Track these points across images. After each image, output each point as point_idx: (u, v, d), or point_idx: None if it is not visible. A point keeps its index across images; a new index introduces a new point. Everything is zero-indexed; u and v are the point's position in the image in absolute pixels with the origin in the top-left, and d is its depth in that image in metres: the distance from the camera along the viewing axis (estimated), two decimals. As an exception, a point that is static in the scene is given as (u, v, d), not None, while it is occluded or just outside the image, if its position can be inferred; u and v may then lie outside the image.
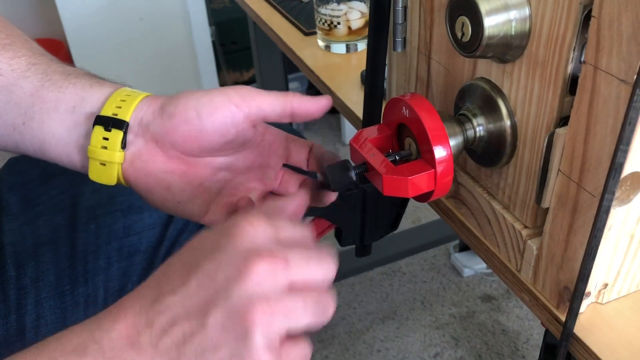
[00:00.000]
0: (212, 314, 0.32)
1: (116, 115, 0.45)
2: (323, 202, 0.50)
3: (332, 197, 0.50)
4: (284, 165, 0.51)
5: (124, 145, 0.45)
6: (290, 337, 0.34)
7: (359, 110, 0.67)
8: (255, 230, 0.34)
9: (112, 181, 0.47)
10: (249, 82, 2.12)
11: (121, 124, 0.45)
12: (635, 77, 0.30)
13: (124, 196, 0.64)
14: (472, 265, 1.57)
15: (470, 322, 1.47)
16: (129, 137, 0.46)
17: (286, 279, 0.34)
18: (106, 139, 0.45)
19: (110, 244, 0.63)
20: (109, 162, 0.46)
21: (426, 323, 1.48)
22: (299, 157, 0.50)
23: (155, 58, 1.95)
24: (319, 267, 0.36)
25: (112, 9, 1.82)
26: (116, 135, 0.45)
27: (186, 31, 1.94)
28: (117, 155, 0.45)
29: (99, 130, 0.45)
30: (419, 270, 1.63)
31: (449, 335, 1.45)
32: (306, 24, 0.88)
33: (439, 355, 1.40)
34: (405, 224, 1.74)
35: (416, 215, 1.77)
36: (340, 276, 1.51)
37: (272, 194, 0.51)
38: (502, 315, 1.48)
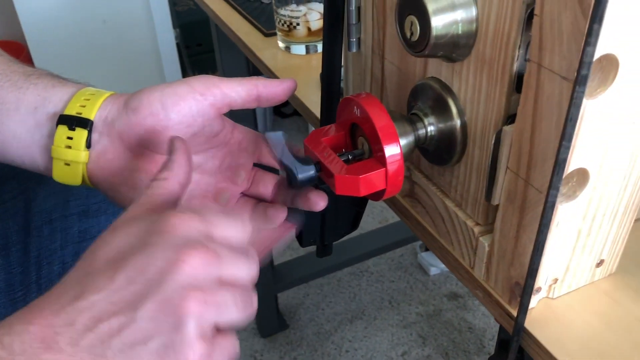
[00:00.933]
0: (142, 306, 0.31)
1: (80, 114, 0.44)
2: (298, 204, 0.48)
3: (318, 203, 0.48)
4: (255, 164, 0.50)
5: (88, 145, 0.45)
6: (220, 330, 0.34)
7: (318, 111, 0.67)
8: (186, 224, 0.34)
9: (77, 181, 0.46)
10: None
11: (85, 123, 0.44)
12: (575, 74, 0.31)
13: (80, 200, 0.63)
14: (438, 264, 1.59)
15: (437, 320, 1.49)
16: (94, 136, 0.45)
17: (217, 272, 0.33)
18: (70, 138, 0.44)
19: (65, 248, 0.61)
20: (73, 162, 0.45)
21: (394, 322, 1.49)
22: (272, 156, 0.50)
23: (119, 61, 1.92)
24: (246, 266, 0.35)
25: (75, 11, 1.79)
26: (80, 134, 0.44)
27: (150, 34, 1.92)
28: (82, 155, 0.45)
29: (63, 130, 0.44)
30: (386, 269, 1.64)
31: (417, 334, 1.46)
32: (266, 25, 0.88)
33: (407, 354, 1.41)
34: (373, 224, 1.75)
35: (383, 215, 1.78)
36: (308, 277, 1.50)
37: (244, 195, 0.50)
38: (468, 313, 1.50)
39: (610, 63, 0.33)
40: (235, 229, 0.36)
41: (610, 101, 0.34)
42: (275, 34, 0.84)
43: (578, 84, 0.30)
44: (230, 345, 0.34)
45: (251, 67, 1.27)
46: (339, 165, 0.42)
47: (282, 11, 0.78)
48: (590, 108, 0.33)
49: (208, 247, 0.33)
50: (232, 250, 0.35)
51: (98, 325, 0.31)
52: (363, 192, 0.41)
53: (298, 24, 0.78)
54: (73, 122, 0.44)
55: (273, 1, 0.79)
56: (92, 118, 0.44)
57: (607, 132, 0.35)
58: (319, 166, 0.43)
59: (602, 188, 0.38)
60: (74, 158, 0.45)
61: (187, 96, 0.44)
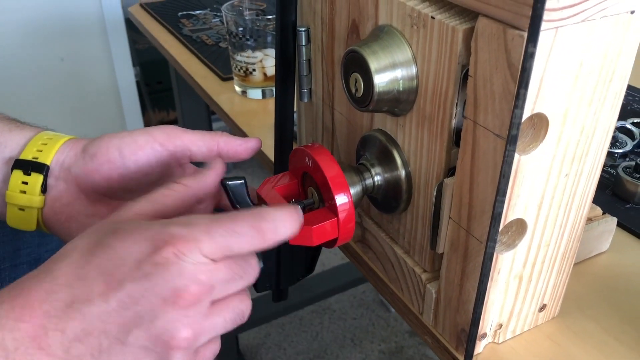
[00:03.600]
0: (133, 334, 0.32)
1: (37, 158, 0.44)
2: None
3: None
4: (216, 209, 0.50)
5: (44, 190, 0.44)
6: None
7: (272, 155, 0.68)
8: (183, 261, 0.33)
9: (31, 227, 0.46)
10: (175, 122, 2.10)
11: (41, 168, 0.44)
12: (508, 132, 0.33)
13: (30, 248, 0.62)
14: (400, 300, 1.59)
15: (399, 358, 1.49)
16: (50, 180, 0.45)
17: (209, 302, 0.34)
18: (25, 183, 0.44)
19: (14, 299, 0.60)
20: (27, 207, 0.45)
21: (356, 360, 1.48)
22: None
23: (77, 99, 1.90)
24: (242, 280, 0.36)
25: (32, 49, 1.78)
26: (36, 179, 0.44)
27: (109, 71, 1.91)
28: (37, 200, 0.44)
29: (18, 175, 0.44)
30: (348, 307, 1.64)
31: (378, 372, 1.45)
32: (224, 69, 0.89)
33: (369, 393, 1.41)
34: (335, 260, 1.75)
35: (345, 252, 1.79)
36: (269, 317, 1.49)
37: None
38: (429, 350, 1.50)
39: (541, 120, 0.35)
40: (238, 238, 0.35)
41: (543, 156, 0.36)
42: (232, 78, 0.85)
43: (509, 143, 0.32)
44: (213, 349, 0.36)
45: (210, 107, 1.28)
46: None
47: (238, 57, 0.79)
48: (524, 163, 0.35)
49: (203, 284, 0.33)
50: (228, 271, 0.35)
51: (88, 339, 0.32)
52: (316, 242, 0.42)
53: (254, 70, 0.79)
54: (29, 166, 0.44)
55: (229, 47, 0.80)
56: (48, 163, 0.44)
57: (542, 184, 0.37)
58: None
59: (540, 237, 0.39)
60: (28, 203, 0.44)
61: (146, 146, 0.44)
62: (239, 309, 0.36)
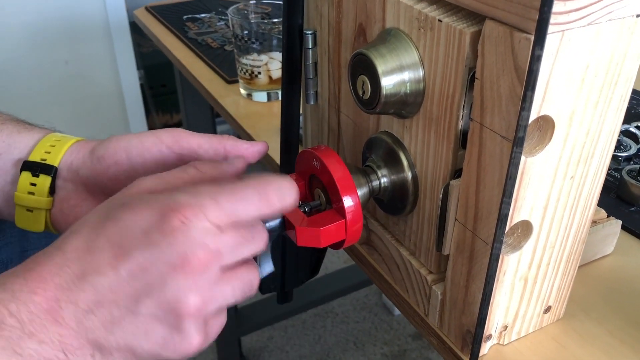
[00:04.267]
0: (143, 303, 0.32)
1: (45, 160, 0.45)
2: None
3: None
4: None
5: (52, 191, 0.45)
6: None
7: (278, 157, 0.68)
8: (189, 227, 0.33)
9: (39, 228, 0.46)
10: (178, 125, 2.11)
11: (49, 169, 0.44)
12: (514, 134, 0.33)
13: (38, 248, 0.62)
14: (403, 304, 1.59)
15: (402, 361, 1.49)
16: (58, 182, 0.45)
17: (218, 268, 0.34)
18: (34, 184, 0.44)
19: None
20: (36, 209, 0.45)
21: (358, 364, 1.48)
22: None
23: (82, 101, 1.91)
24: (251, 245, 0.36)
25: (36, 52, 1.78)
26: (44, 180, 0.44)
27: (113, 74, 1.92)
28: (45, 201, 0.45)
29: (26, 176, 0.44)
30: (351, 310, 1.64)
31: (381, 375, 1.45)
32: (229, 72, 0.90)
33: (372, 396, 1.41)
34: (337, 264, 1.76)
35: (347, 255, 1.79)
36: (272, 320, 1.49)
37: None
38: (432, 353, 1.50)
39: (547, 123, 0.35)
40: (245, 203, 0.35)
41: (549, 158, 0.36)
42: (237, 81, 0.85)
43: (515, 145, 0.32)
44: (221, 321, 0.36)
45: (214, 109, 1.29)
46: (300, 217, 0.42)
47: (243, 60, 0.79)
48: (531, 165, 0.35)
49: (210, 249, 0.33)
50: (237, 237, 0.35)
51: (100, 309, 0.32)
52: (324, 243, 0.42)
53: (259, 73, 0.79)
54: (37, 168, 0.44)
55: (235, 50, 0.81)
56: (56, 164, 0.45)
57: (548, 186, 0.37)
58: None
59: (545, 239, 0.40)
60: (36, 204, 0.45)
61: (153, 148, 0.44)
62: (247, 279, 0.36)
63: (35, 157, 0.45)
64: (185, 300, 0.33)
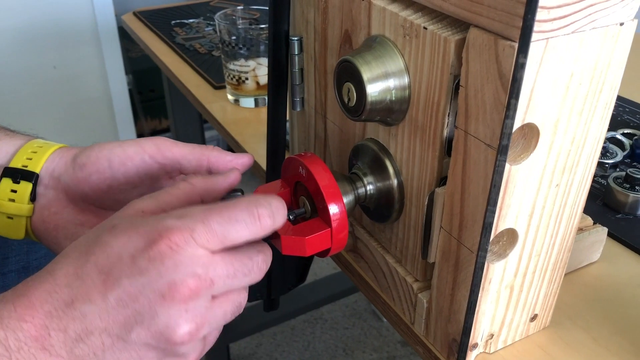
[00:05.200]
0: (135, 331, 0.32)
1: (26, 167, 0.44)
2: None
3: None
4: None
5: (33, 198, 0.44)
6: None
7: (264, 163, 0.68)
8: (178, 254, 0.32)
9: (20, 235, 0.45)
10: (167, 130, 2.10)
11: (30, 176, 0.44)
12: (499, 142, 0.33)
13: (19, 256, 0.62)
14: (392, 310, 1.59)
15: (391, 368, 1.48)
16: (39, 189, 0.44)
17: (209, 296, 0.34)
18: (14, 191, 0.44)
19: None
20: (16, 216, 0.44)
21: (347, 370, 1.48)
22: None
23: (70, 106, 1.90)
24: (246, 277, 0.35)
25: (24, 56, 1.77)
26: (25, 187, 0.44)
27: (102, 79, 1.91)
28: (26, 208, 0.44)
29: (7, 183, 0.44)
30: (340, 316, 1.64)
31: (370, 382, 1.45)
32: (216, 78, 0.89)
33: (361, 403, 1.40)
34: (327, 270, 1.75)
35: (337, 261, 1.78)
36: (261, 326, 1.48)
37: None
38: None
39: (532, 131, 0.35)
40: (236, 226, 0.34)
41: (534, 166, 0.36)
42: (225, 87, 0.85)
43: (500, 153, 0.32)
44: (213, 339, 0.36)
45: (202, 116, 1.28)
46: (285, 226, 0.42)
47: (230, 66, 0.79)
48: (515, 173, 0.35)
49: (200, 277, 0.32)
50: (229, 267, 0.34)
51: (90, 338, 0.32)
52: (309, 252, 0.42)
53: (247, 79, 0.79)
54: (18, 175, 0.44)
55: (222, 56, 0.80)
56: (37, 171, 0.44)
57: (533, 194, 0.37)
58: None
59: (531, 247, 0.40)
60: (17, 212, 0.44)
61: (136, 157, 0.44)
62: (238, 302, 0.36)
63: (16, 164, 0.44)
64: (177, 329, 0.32)
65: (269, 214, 0.35)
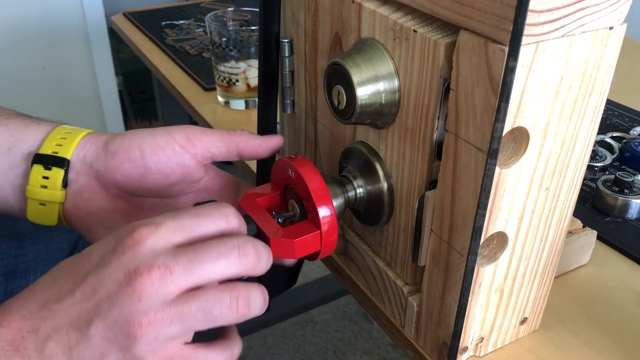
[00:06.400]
0: (94, 324, 0.32)
1: (56, 153, 0.44)
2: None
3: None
4: None
5: (65, 184, 0.44)
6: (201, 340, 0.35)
7: (254, 165, 0.67)
8: (140, 244, 0.33)
9: (52, 222, 0.45)
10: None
11: (62, 162, 0.44)
12: (489, 145, 0.33)
13: (7, 259, 0.61)
14: (383, 312, 1.59)
15: (381, 370, 1.48)
16: (71, 175, 0.44)
17: (175, 287, 0.32)
18: (46, 177, 0.44)
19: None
20: (49, 202, 0.44)
21: (338, 373, 1.47)
22: None
23: (59, 107, 1.88)
24: (220, 265, 0.33)
25: (13, 57, 1.76)
26: (57, 173, 0.44)
27: (92, 81, 1.89)
28: (58, 195, 0.44)
29: (38, 169, 0.44)
30: (331, 319, 1.63)
31: (361, 385, 1.44)
32: (207, 79, 0.89)
33: (351, 406, 1.40)
34: (318, 272, 1.75)
35: (328, 263, 1.78)
36: (251, 329, 1.48)
37: None
38: (411, 361, 1.50)
39: (522, 134, 0.35)
40: (202, 218, 0.35)
41: (524, 169, 0.36)
42: (215, 89, 0.85)
43: (490, 157, 0.32)
44: (202, 357, 0.35)
45: (193, 117, 1.28)
46: (274, 228, 0.42)
47: (221, 67, 0.79)
48: (505, 176, 0.35)
49: (158, 265, 0.32)
50: (198, 255, 0.33)
51: (57, 335, 0.32)
52: (298, 255, 0.42)
53: (237, 80, 0.79)
54: (49, 161, 0.44)
55: (212, 58, 0.80)
56: (68, 157, 0.44)
57: (523, 198, 0.37)
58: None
59: (521, 250, 0.40)
60: (49, 198, 0.44)
61: (167, 147, 0.44)
62: (220, 300, 0.33)
63: (46, 150, 0.44)
64: (131, 320, 0.31)
65: (234, 213, 0.37)
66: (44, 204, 0.44)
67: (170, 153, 0.44)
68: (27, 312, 0.32)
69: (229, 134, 0.45)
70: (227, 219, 0.36)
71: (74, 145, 0.44)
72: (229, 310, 0.34)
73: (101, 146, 0.45)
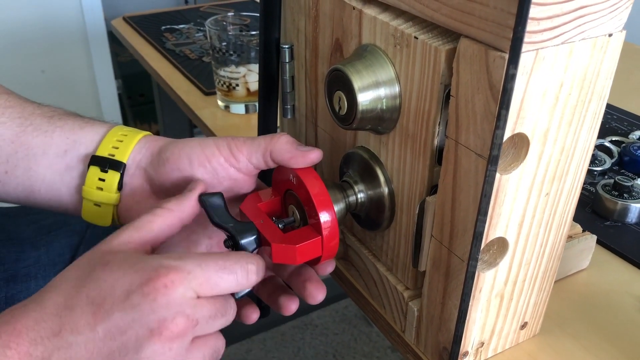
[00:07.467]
0: None
1: (113, 155, 0.44)
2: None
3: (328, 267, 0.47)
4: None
5: (120, 187, 0.45)
6: None
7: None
8: (172, 291, 0.34)
9: (106, 222, 0.46)
10: (156, 135, 2.09)
11: (118, 166, 0.44)
12: (489, 152, 0.33)
13: (7, 264, 0.61)
14: (382, 316, 1.59)
15: (381, 373, 1.48)
16: (125, 178, 0.45)
17: (191, 337, 0.35)
18: (102, 179, 0.44)
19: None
20: (104, 204, 0.45)
21: (337, 376, 1.47)
22: None
23: (58, 111, 1.88)
24: (223, 318, 0.37)
25: (12, 61, 1.76)
26: (113, 176, 0.44)
27: (91, 84, 1.90)
28: (114, 197, 0.45)
29: (95, 171, 0.44)
30: (330, 322, 1.63)
31: (360, 388, 1.44)
32: (207, 84, 0.89)
33: (351, 409, 1.40)
34: (317, 275, 1.74)
35: (327, 266, 1.78)
36: (251, 332, 1.48)
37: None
38: (411, 365, 1.50)
39: (522, 140, 0.35)
40: (230, 279, 0.36)
41: (524, 175, 0.36)
42: (215, 93, 0.85)
43: (490, 163, 0.32)
44: None
45: (192, 121, 1.28)
46: (276, 234, 0.42)
47: (221, 72, 0.79)
48: (505, 182, 0.35)
49: (188, 317, 0.34)
50: (214, 307, 0.36)
51: None
52: (300, 260, 0.42)
53: (237, 85, 0.79)
54: (106, 163, 0.44)
55: (212, 62, 0.80)
56: (125, 161, 0.44)
57: (523, 203, 0.37)
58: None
59: (521, 255, 0.40)
60: (105, 200, 0.45)
61: (213, 159, 0.44)
62: (216, 347, 0.37)
63: (103, 152, 0.45)
64: None
65: (256, 271, 0.37)
66: (99, 205, 0.45)
67: (217, 165, 0.44)
68: (38, 337, 0.32)
69: (265, 142, 0.43)
70: (248, 276, 0.37)
71: (130, 148, 0.45)
72: (218, 356, 0.38)
73: (156, 152, 0.45)
